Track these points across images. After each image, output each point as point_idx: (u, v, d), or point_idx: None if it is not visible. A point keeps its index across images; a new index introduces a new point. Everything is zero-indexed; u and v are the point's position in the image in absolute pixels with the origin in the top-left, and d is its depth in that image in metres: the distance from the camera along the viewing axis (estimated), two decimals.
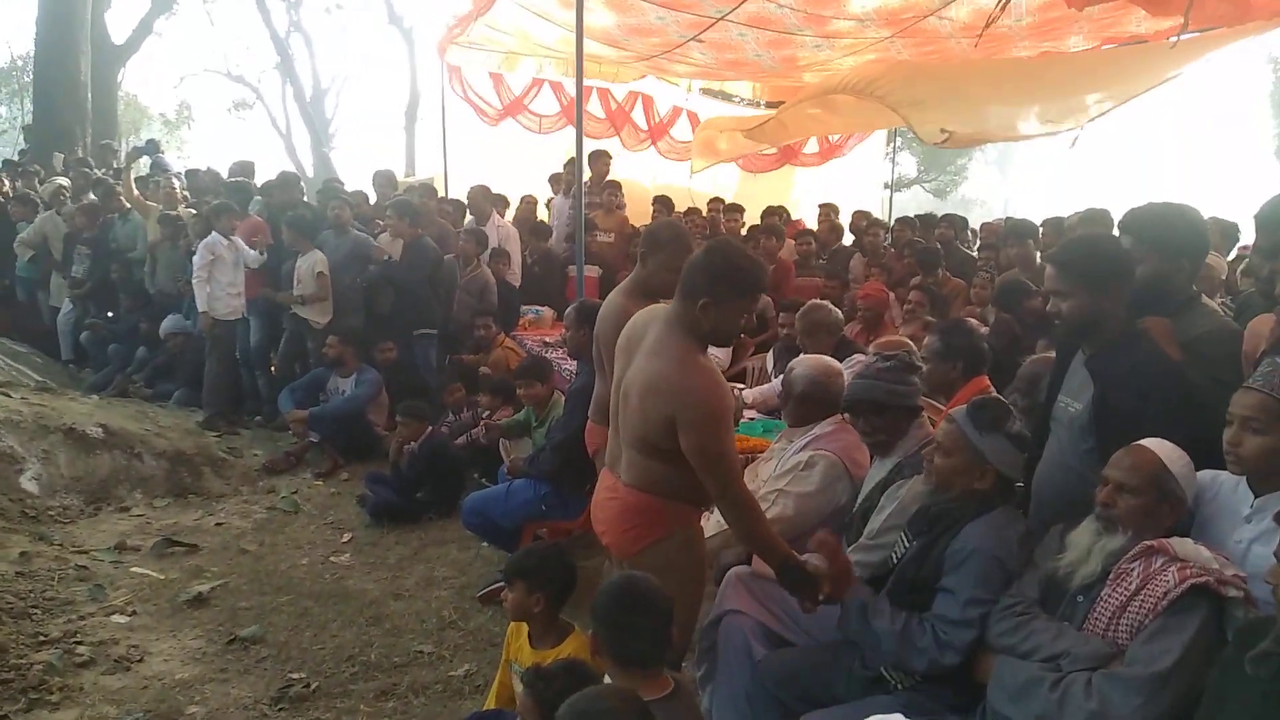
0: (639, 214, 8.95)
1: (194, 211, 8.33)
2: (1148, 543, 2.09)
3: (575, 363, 4.91)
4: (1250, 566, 2.04)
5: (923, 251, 6.77)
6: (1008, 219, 8.17)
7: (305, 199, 8.62)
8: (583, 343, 4.34)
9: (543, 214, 9.37)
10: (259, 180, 9.22)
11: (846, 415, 3.19)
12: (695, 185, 10.34)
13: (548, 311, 7.77)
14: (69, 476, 5.79)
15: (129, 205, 8.76)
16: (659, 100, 10.63)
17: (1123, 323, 2.49)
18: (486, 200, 8.24)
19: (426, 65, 28.47)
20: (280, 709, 3.59)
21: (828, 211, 9.00)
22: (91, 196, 9.50)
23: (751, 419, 4.75)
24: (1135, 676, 1.95)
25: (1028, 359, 3.72)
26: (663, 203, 8.71)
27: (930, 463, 2.54)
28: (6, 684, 3.60)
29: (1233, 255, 6.39)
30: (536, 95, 10.05)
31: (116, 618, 4.31)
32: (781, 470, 3.24)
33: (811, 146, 11.28)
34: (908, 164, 24.07)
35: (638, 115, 10.56)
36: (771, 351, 5.75)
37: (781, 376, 4.10)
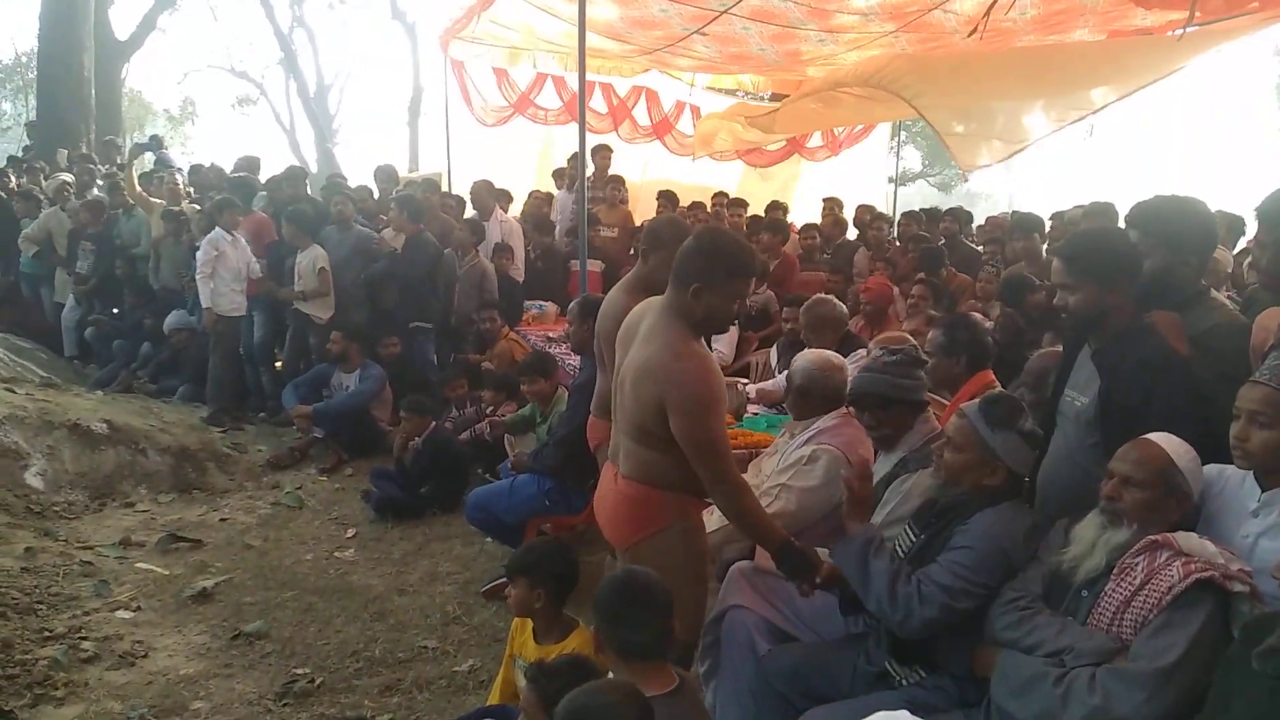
0: (643, 209, 8.94)
1: (198, 207, 8.35)
2: (1152, 537, 2.07)
3: (579, 358, 4.90)
4: (1257, 561, 2.03)
5: (926, 251, 6.72)
6: (1014, 213, 8.13)
7: (309, 194, 8.62)
8: (585, 338, 4.33)
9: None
10: (264, 176, 9.22)
11: (851, 409, 3.18)
12: (700, 180, 10.32)
13: (551, 307, 7.76)
14: (74, 472, 5.81)
15: (132, 201, 8.77)
16: (663, 95, 10.60)
17: (1130, 317, 2.47)
18: (490, 195, 8.24)
19: (429, 60, 28.51)
20: (285, 704, 3.60)
21: (832, 206, 8.97)
22: (95, 192, 9.51)
23: (755, 414, 4.74)
24: (1139, 672, 1.93)
25: (1034, 353, 3.70)
26: (667, 197, 8.70)
27: (940, 457, 2.52)
28: (12, 679, 3.61)
29: (1238, 249, 6.36)
30: (540, 91, 10.03)
31: (121, 613, 4.33)
32: (784, 465, 3.23)
33: (816, 141, 11.25)
34: (912, 158, 24.03)
35: (641, 110, 10.53)
36: (775, 346, 5.74)
37: (786, 372, 4.10)
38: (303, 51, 28.90)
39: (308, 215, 7.43)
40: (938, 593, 2.32)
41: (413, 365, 7.27)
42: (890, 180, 11.89)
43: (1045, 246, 6.65)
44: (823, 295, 5.11)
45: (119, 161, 10.45)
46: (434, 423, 6.02)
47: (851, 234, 8.78)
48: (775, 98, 10.71)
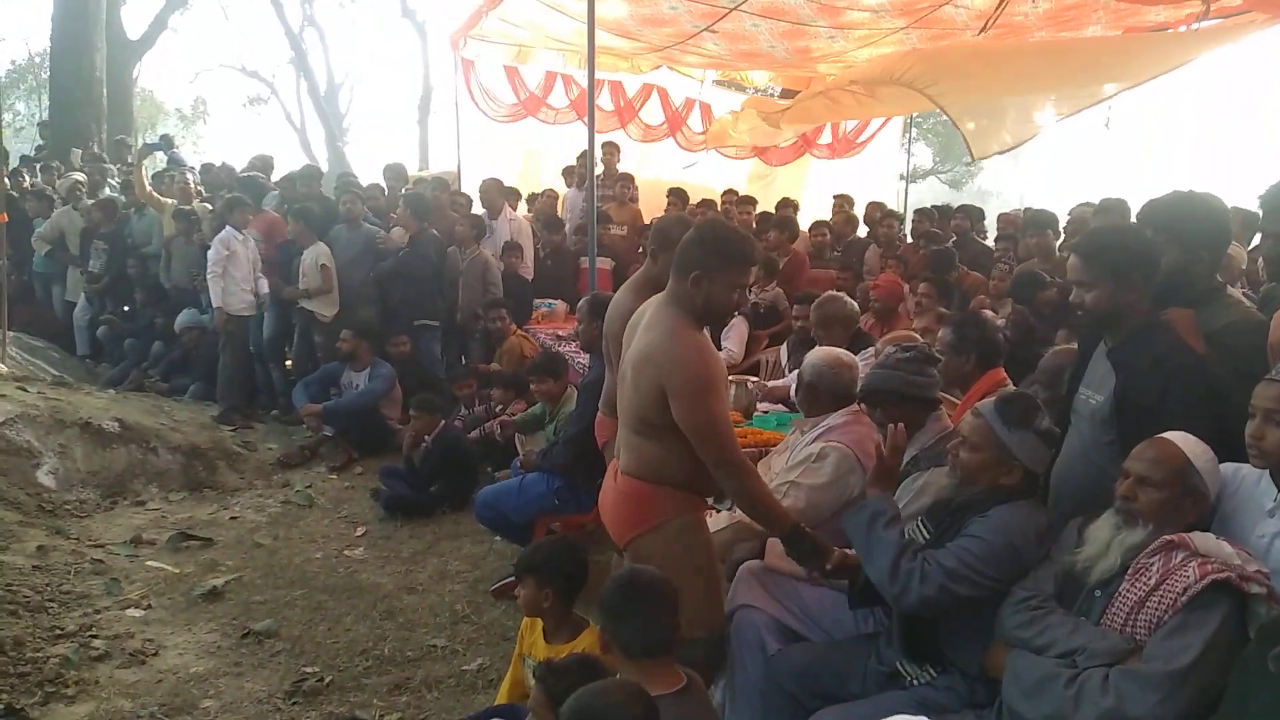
0: (654, 207, 8.92)
1: (209, 206, 8.37)
2: (1168, 537, 2.04)
3: (588, 356, 4.89)
4: (1273, 562, 2.01)
5: (936, 254, 6.63)
6: (1026, 210, 8.07)
7: (323, 194, 8.63)
8: (594, 336, 4.32)
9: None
10: (277, 175, 9.25)
11: (863, 405, 3.16)
12: (709, 178, 10.30)
13: (560, 305, 7.75)
14: (85, 471, 5.83)
15: (143, 200, 8.81)
16: (673, 92, 10.58)
17: (1146, 314, 2.45)
18: (499, 194, 8.24)
19: (439, 59, 28.59)
20: (294, 703, 3.60)
21: (842, 203, 8.94)
22: (107, 191, 9.55)
23: (765, 412, 4.72)
24: (1153, 673, 1.91)
25: (1049, 351, 3.67)
26: (677, 195, 8.68)
27: (955, 456, 2.50)
28: (23, 677, 3.62)
29: (1253, 245, 6.30)
30: (551, 90, 10.02)
31: (132, 611, 4.34)
32: (793, 462, 3.21)
33: (826, 138, 11.21)
34: (923, 155, 23.92)
35: (653, 107, 10.50)
36: (786, 344, 5.71)
37: (796, 370, 4.08)
38: (313, 50, 28.97)
39: (314, 213, 7.45)
40: (939, 573, 2.30)
41: (421, 364, 7.27)
42: (901, 177, 11.84)
43: (1059, 243, 6.60)
44: (833, 293, 5.08)
45: (129, 161, 10.49)
46: (443, 421, 6.02)
47: (862, 231, 8.74)
48: (786, 94, 10.67)
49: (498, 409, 6.12)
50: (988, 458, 2.42)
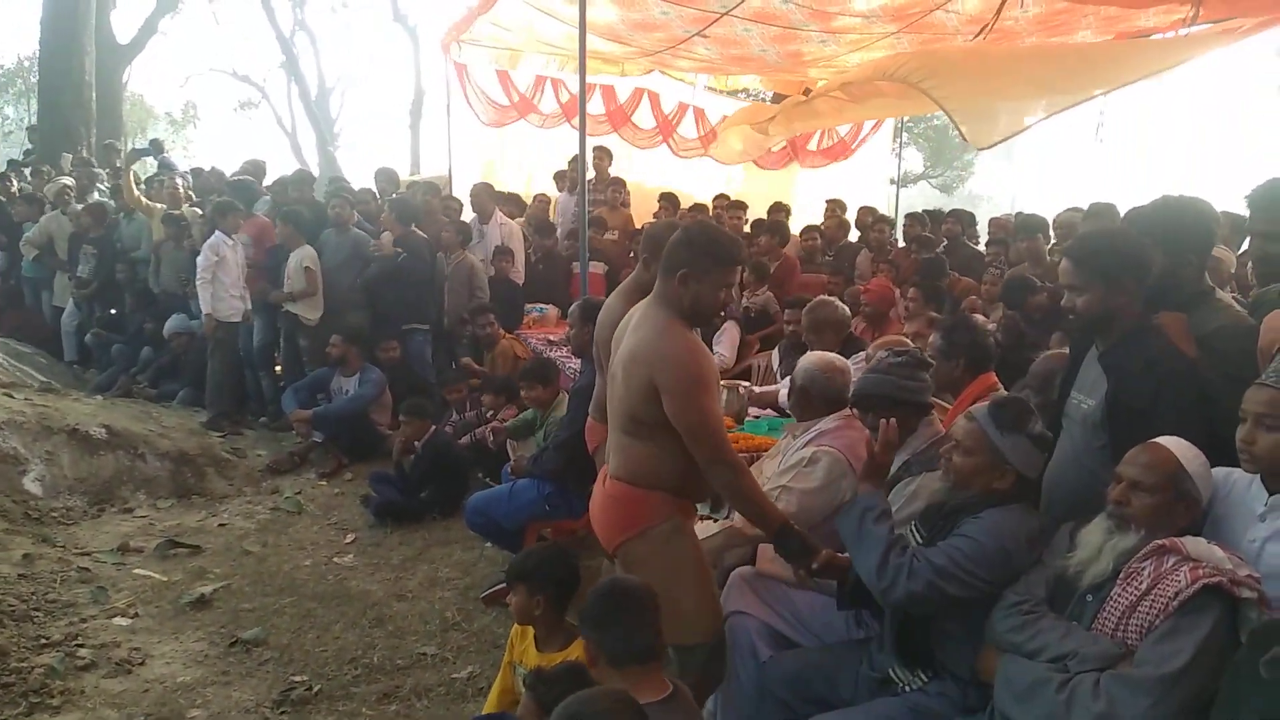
0: (645, 213, 8.91)
1: (199, 211, 8.33)
2: (1159, 542, 2.04)
3: (579, 361, 4.87)
4: (1264, 566, 2.00)
5: (926, 263, 6.57)
6: (1018, 214, 8.09)
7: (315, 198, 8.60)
8: (586, 341, 4.31)
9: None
10: (268, 180, 9.21)
11: (855, 410, 3.15)
12: (700, 183, 10.29)
13: (552, 310, 7.74)
14: (72, 478, 5.79)
15: (131, 205, 8.76)
16: (665, 96, 10.57)
17: (1137, 318, 2.45)
18: (490, 198, 8.23)
19: (431, 63, 28.54)
20: (282, 712, 3.58)
21: (834, 208, 8.95)
22: (96, 196, 9.50)
23: (756, 417, 4.71)
24: (1145, 678, 1.90)
25: (1040, 355, 3.67)
26: (668, 199, 8.67)
27: (949, 460, 2.50)
28: (7, 687, 3.58)
29: (1243, 249, 6.31)
30: (541, 94, 10.01)
31: (118, 620, 4.30)
32: (785, 466, 3.20)
33: (817, 144, 11.22)
34: (914, 159, 23.98)
35: (644, 112, 10.49)
36: (777, 349, 5.71)
37: (787, 375, 4.07)
38: (304, 55, 29.00)
39: (303, 216, 7.42)
40: (928, 570, 2.30)
41: (411, 368, 7.24)
42: (892, 182, 11.85)
43: (1049, 247, 6.61)
44: (825, 297, 5.08)
45: (118, 165, 10.45)
46: (434, 426, 5.99)
47: (853, 236, 8.75)
48: (778, 98, 10.68)
49: (489, 414, 6.10)
50: (981, 462, 2.42)
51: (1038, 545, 2.35)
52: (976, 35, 6.53)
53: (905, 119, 13.27)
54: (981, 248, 7.88)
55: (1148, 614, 1.98)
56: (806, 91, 8.70)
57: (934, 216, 8.49)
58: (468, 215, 8.39)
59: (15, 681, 3.62)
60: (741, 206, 8.77)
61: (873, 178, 11.68)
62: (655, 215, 8.54)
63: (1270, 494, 2.07)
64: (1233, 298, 3.49)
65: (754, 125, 8.21)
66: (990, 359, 3.60)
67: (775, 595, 2.99)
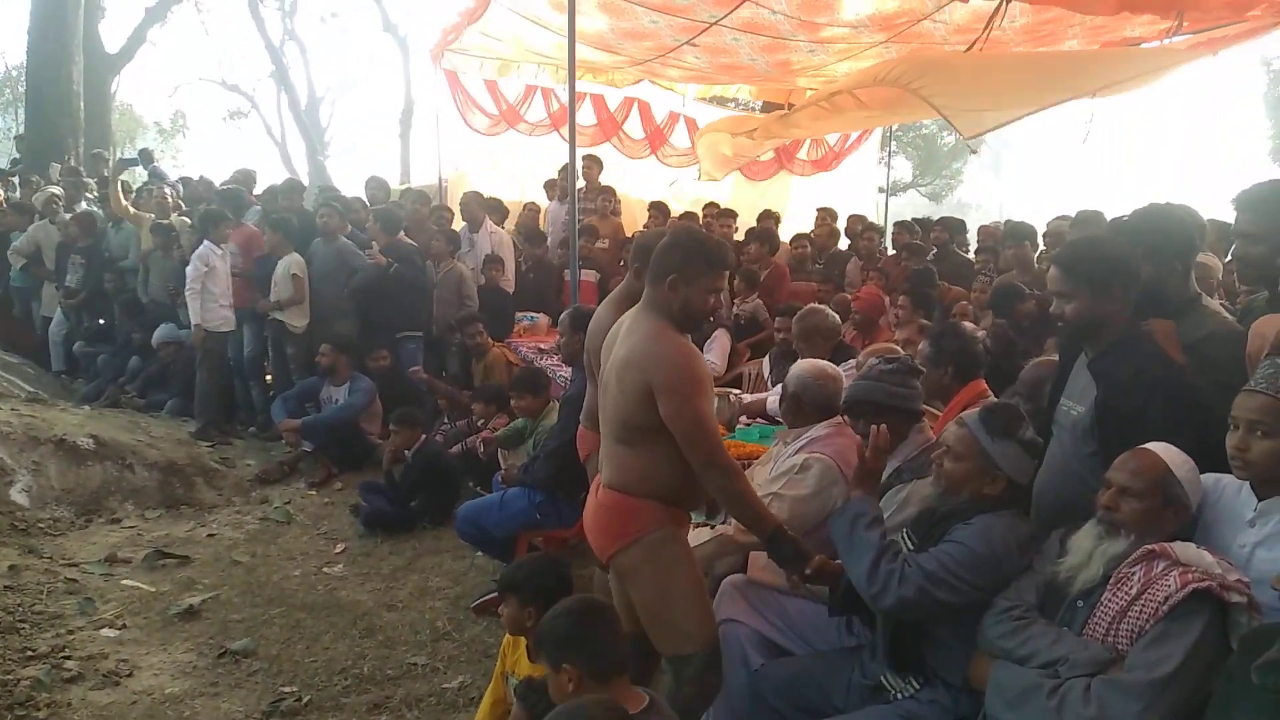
0: (636, 222, 8.93)
1: (188, 221, 8.30)
2: (1149, 547, 2.05)
3: (570, 370, 4.87)
4: (1254, 572, 2.01)
5: (915, 274, 6.56)
6: (1007, 222, 8.13)
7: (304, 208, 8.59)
8: (576, 349, 4.31)
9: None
10: (259, 189, 9.18)
11: (846, 417, 3.16)
12: (690, 191, 10.32)
13: (542, 318, 7.74)
14: (59, 488, 5.74)
15: (119, 215, 8.73)
16: (655, 106, 10.61)
17: (1126, 325, 2.46)
18: (479, 206, 8.23)
19: (421, 73, 28.58)
20: None
21: (825, 216, 8.98)
22: (84, 205, 9.46)
23: (748, 425, 4.71)
24: (1135, 682, 1.91)
25: (1030, 362, 3.68)
26: (658, 208, 8.69)
27: (940, 466, 2.51)
28: None
29: (1230, 257, 6.36)
30: (530, 104, 10.02)
31: (106, 631, 4.26)
32: (777, 473, 3.21)
33: (807, 154, 11.27)
34: (903, 168, 24.06)
35: (634, 122, 10.52)
36: (768, 357, 5.71)
37: (780, 383, 4.07)
38: (294, 64, 28.90)
39: (291, 224, 7.41)
40: (919, 576, 2.30)
41: (402, 377, 7.22)
42: (881, 190, 11.92)
43: (1037, 255, 6.65)
44: (815, 305, 5.09)
45: (105, 174, 10.41)
46: (424, 435, 5.97)
47: (843, 244, 8.78)
48: (767, 107, 10.72)
49: (479, 423, 6.09)
50: (971, 467, 2.43)
51: (1028, 551, 2.35)
52: (968, 49, 6.58)
53: (894, 128, 13.35)
54: (971, 256, 7.92)
55: (1138, 619, 1.98)
56: (790, 106, 8.78)
57: (923, 225, 8.53)
58: (458, 224, 8.38)
59: (1, 694, 3.58)
60: (731, 215, 8.79)
61: (861, 186, 11.75)
62: (645, 225, 8.55)
63: (1260, 500, 2.08)
64: (1220, 304, 3.53)
65: (736, 134, 8.23)
66: (979, 366, 3.62)
67: (767, 603, 2.99)
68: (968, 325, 4.59)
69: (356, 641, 4.21)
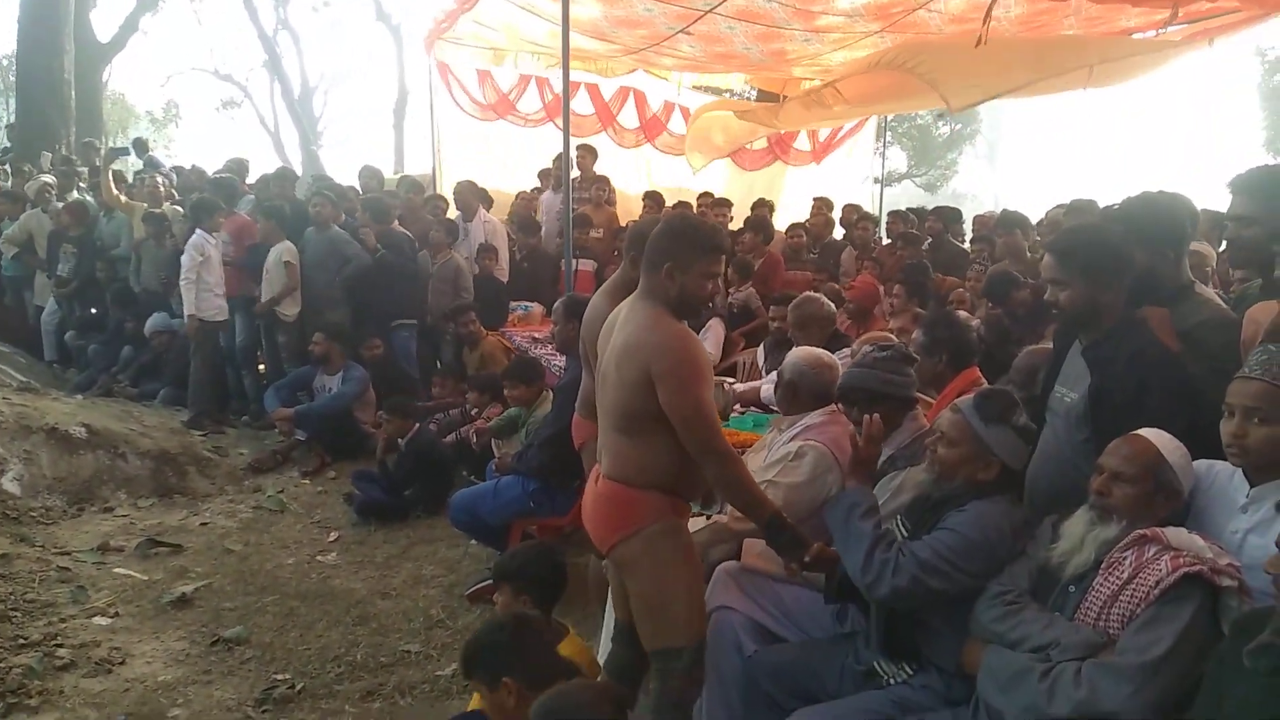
0: (631, 212, 8.90)
1: (180, 210, 8.26)
2: (1141, 531, 2.05)
3: (564, 358, 4.86)
4: (1246, 557, 2.01)
5: (909, 268, 6.54)
6: (1003, 211, 8.13)
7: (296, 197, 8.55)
8: (570, 337, 4.30)
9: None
10: (252, 179, 9.14)
11: (840, 404, 3.15)
12: (686, 181, 10.29)
13: (537, 308, 7.72)
14: (51, 477, 5.72)
15: (110, 204, 8.68)
16: (650, 95, 10.57)
17: (1121, 312, 2.46)
18: (473, 196, 8.20)
19: (414, 62, 28.43)
20: (265, 710, 3.55)
21: (821, 205, 8.97)
22: (76, 194, 9.40)
23: (741, 413, 4.71)
24: (1126, 665, 1.91)
25: (1023, 350, 3.68)
26: (653, 199, 8.66)
27: (933, 452, 2.50)
28: None
29: (1224, 246, 6.36)
30: (523, 93, 9.98)
31: (98, 619, 4.26)
32: (771, 461, 3.20)
33: (802, 144, 11.25)
34: (897, 159, 24.04)
35: (629, 111, 10.49)
36: (762, 345, 5.71)
37: (774, 371, 4.06)
38: (287, 54, 28.79)
39: (285, 212, 7.38)
40: (912, 564, 2.30)
41: (395, 365, 7.21)
42: (876, 181, 11.90)
43: (1029, 244, 6.64)
44: (810, 293, 5.08)
45: (96, 164, 10.36)
46: (417, 424, 5.96)
47: (838, 234, 8.77)
48: (763, 96, 10.70)
49: (473, 412, 6.08)
50: (965, 453, 2.43)
51: (1021, 537, 2.36)
52: (976, 46, 6.58)
53: (889, 119, 13.33)
54: (967, 246, 7.91)
55: (1129, 603, 1.99)
56: (784, 97, 8.76)
57: (918, 214, 8.52)
58: (452, 213, 8.36)
59: None
60: (726, 204, 8.78)
61: (856, 177, 11.73)
62: (641, 214, 8.53)
63: (1252, 486, 2.08)
64: (1216, 293, 3.54)
65: (731, 110, 8.22)
66: (973, 354, 3.62)
67: (761, 590, 2.98)
68: (961, 314, 4.60)
69: (350, 629, 4.21)
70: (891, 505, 2.77)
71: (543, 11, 7.56)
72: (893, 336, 4.14)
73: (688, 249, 2.57)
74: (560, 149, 6.84)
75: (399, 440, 5.83)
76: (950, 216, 8.36)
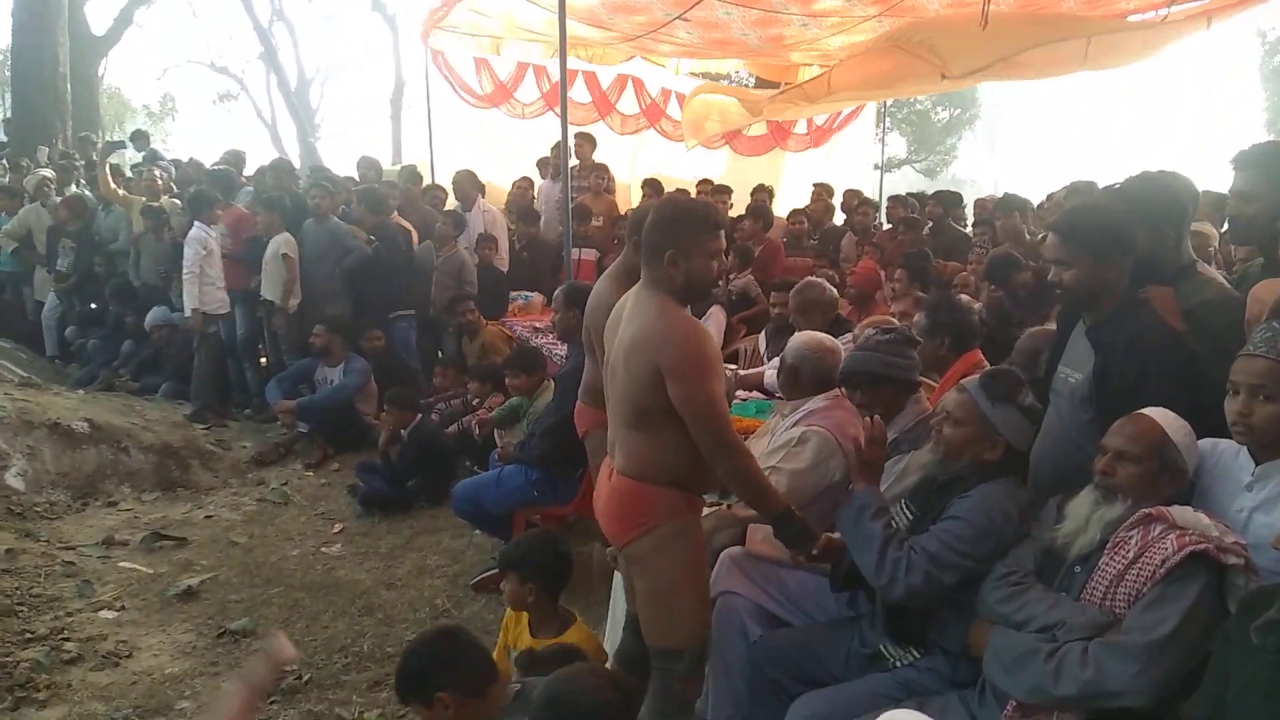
0: (630, 200, 8.89)
1: (178, 203, 8.24)
2: (1146, 511, 2.04)
3: (565, 346, 4.85)
4: (1251, 535, 2.01)
5: (909, 256, 6.54)
6: (1005, 195, 8.12)
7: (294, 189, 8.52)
8: (571, 325, 4.29)
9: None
10: (249, 171, 9.11)
11: (843, 388, 3.15)
12: (685, 169, 10.27)
13: (537, 297, 7.71)
14: (55, 472, 5.72)
15: (107, 198, 8.66)
16: (648, 82, 10.53)
17: (1125, 292, 2.45)
18: (472, 185, 8.17)
19: (411, 52, 28.34)
20: (272, 701, 3.55)
21: (821, 191, 8.95)
22: (74, 189, 9.38)
23: (744, 400, 4.71)
24: (1132, 645, 1.91)
25: (1025, 332, 3.68)
26: (652, 186, 8.64)
27: (939, 432, 2.50)
28: None
29: (1226, 227, 6.34)
30: (521, 82, 9.95)
31: (105, 613, 4.27)
32: (774, 446, 3.20)
33: (801, 129, 11.22)
34: (897, 145, 23.98)
35: (628, 98, 10.45)
36: (764, 332, 5.71)
37: (776, 358, 4.05)
38: (283, 46, 28.71)
39: (284, 203, 7.35)
40: (924, 561, 2.30)
41: (395, 356, 7.21)
42: (876, 167, 11.88)
43: (1027, 227, 6.64)
44: (812, 278, 5.07)
45: (93, 158, 10.34)
46: (419, 416, 5.96)
47: (838, 220, 8.76)
48: (760, 84, 10.66)
49: (474, 402, 6.08)
50: (971, 432, 2.42)
51: (1027, 519, 2.35)
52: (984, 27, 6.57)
53: (888, 104, 13.29)
54: (969, 230, 7.90)
55: (1135, 582, 1.98)
56: (785, 85, 8.74)
57: (919, 199, 8.51)
58: (450, 203, 8.33)
59: (1, 676, 3.59)
60: (726, 191, 8.76)
61: (856, 163, 11.71)
62: (640, 201, 8.51)
63: (1257, 464, 2.08)
64: (1221, 274, 3.52)
65: (744, 103, 8.20)
66: (975, 337, 3.62)
67: (765, 575, 2.98)
68: (963, 297, 4.59)
69: (355, 620, 4.22)
70: (896, 489, 2.77)
71: None
72: (894, 320, 4.14)
73: (686, 232, 2.52)
74: (557, 138, 6.82)
75: (401, 431, 5.83)
76: (951, 201, 8.35)
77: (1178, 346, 2.37)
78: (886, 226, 8.29)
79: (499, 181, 9.14)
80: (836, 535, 2.62)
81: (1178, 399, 2.20)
